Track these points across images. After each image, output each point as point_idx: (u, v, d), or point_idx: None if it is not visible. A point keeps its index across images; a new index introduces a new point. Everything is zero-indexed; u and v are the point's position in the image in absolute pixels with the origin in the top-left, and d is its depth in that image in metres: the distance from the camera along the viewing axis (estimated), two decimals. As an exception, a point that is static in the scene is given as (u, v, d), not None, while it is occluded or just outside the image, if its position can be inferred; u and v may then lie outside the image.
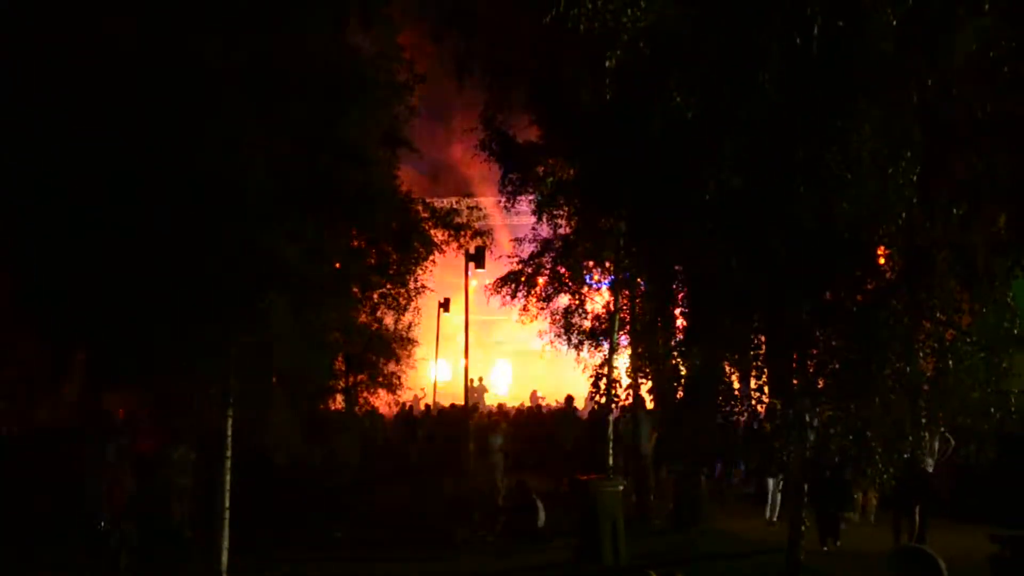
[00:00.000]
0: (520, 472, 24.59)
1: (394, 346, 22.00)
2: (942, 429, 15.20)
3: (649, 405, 23.06)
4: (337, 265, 17.93)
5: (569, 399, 28.96)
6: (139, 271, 13.19)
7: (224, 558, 14.21)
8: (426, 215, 20.80)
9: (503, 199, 22.18)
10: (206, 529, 15.30)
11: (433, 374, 36.39)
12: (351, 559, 18.26)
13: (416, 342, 22.44)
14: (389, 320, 21.91)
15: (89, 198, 13.16)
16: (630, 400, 21.13)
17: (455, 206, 21.35)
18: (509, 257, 23.23)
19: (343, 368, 21.10)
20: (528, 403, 39.99)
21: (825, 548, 17.81)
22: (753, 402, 15.16)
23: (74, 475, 19.05)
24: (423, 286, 21.83)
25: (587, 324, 22.40)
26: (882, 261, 13.69)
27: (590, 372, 21.11)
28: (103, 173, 13.10)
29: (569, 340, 22.66)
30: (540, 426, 30.82)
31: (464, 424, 26.95)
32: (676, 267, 17.82)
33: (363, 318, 21.76)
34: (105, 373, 15.48)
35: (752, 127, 13.24)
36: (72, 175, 13.26)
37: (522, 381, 47.16)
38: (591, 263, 22.36)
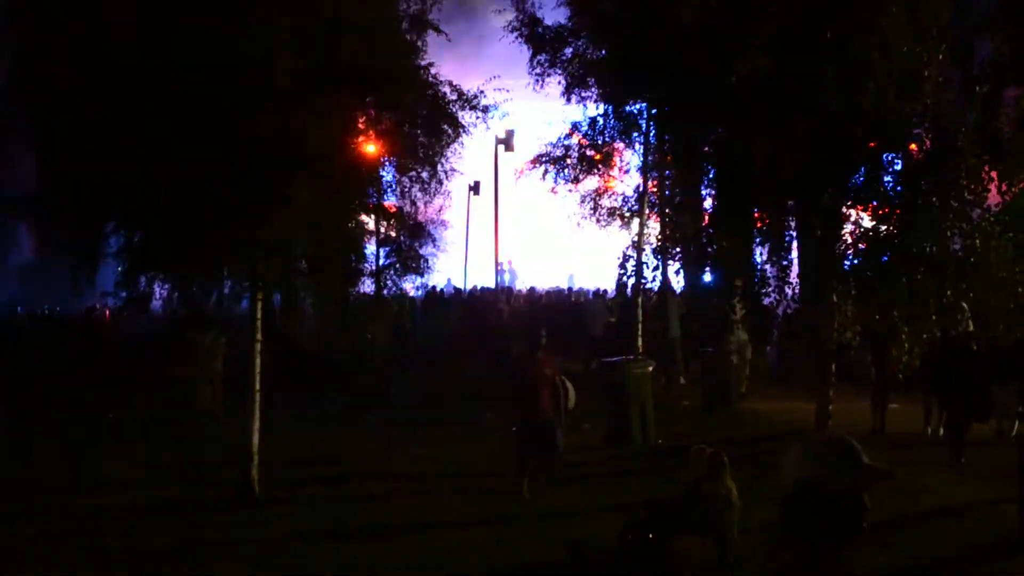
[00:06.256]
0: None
1: (424, 229, 21.99)
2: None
3: (677, 288, 23.15)
4: (367, 148, 17.86)
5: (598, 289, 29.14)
6: (169, 156, 13.17)
7: (255, 439, 14.35)
8: (454, 97, 20.59)
9: (532, 81, 21.94)
10: (237, 412, 15.41)
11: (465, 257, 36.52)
12: (383, 442, 18.11)
13: (447, 224, 22.39)
14: (419, 204, 21.85)
15: (121, 84, 13.09)
16: (658, 282, 21.18)
17: (482, 88, 21.09)
18: (538, 139, 23.09)
19: (373, 252, 21.12)
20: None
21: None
22: (781, 283, 15.24)
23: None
24: (452, 168, 21.71)
25: (615, 205, 22.37)
26: (913, 146, 13.62)
27: (618, 254, 21.11)
28: (134, 59, 13.03)
29: (598, 221, 22.65)
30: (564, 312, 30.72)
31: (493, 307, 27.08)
32: (705, 149, 17.77)
33: (393, 201, 21.77)
34: (140, 259, 15.48)
35: (780, 9, 13.13)
36: (104, 64, 13.19)
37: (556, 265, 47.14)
38: (620, 145, 22.20)
